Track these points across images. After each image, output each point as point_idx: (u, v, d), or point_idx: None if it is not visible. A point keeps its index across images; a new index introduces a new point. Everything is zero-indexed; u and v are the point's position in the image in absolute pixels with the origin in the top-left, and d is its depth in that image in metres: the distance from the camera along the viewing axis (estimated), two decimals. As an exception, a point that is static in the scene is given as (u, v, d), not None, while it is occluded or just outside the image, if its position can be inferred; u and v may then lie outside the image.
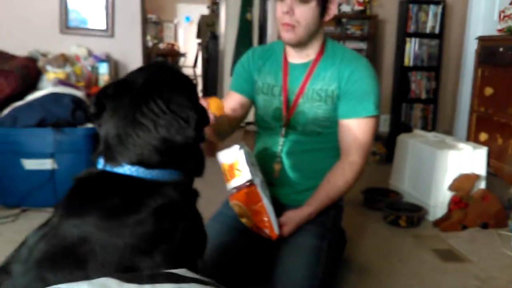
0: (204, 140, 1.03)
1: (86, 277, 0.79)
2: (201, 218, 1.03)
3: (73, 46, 3.50)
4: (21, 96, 2.70)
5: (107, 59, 3.47)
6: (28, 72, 2.91)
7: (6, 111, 2.57)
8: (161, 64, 1.08)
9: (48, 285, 0.77)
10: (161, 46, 9.25)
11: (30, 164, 2.52)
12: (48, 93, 2.62)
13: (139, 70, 1.02)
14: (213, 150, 1.77)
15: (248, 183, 1.43)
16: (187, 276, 0.51)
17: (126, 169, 0.91)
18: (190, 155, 0.98)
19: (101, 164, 0.94)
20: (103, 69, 3.36)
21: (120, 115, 0.93)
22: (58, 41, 3.50)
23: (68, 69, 3.13)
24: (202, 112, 1.09)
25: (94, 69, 3.37)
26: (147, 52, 4.55)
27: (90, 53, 3.53)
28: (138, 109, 0.92)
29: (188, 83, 1.03)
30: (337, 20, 4.20)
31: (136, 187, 0.90)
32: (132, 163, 0.91)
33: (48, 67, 3.07)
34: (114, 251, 0.81)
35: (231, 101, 1.72)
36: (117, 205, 0.86)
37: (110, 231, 0.83)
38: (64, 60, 3.17)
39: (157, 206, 0.88)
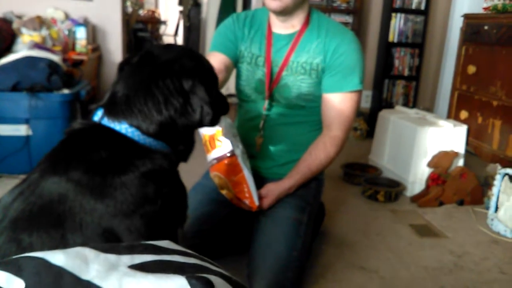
0: (217, 123, 1.11)
1: (63, 237, 0.77)
2: (185, 190, 1.03)
3: (50, 9, 3.37)
4: (-6, 59, 2.59)
5: (85, 23, 3.36)
6: (2, 34, 2.79)
7: (-22, 73, 2.47)
8: (190, 49, 1.10)
9: (23, 247, 0.74)
10: (141, 12, 9.00)
11: (4, 129, 2.44)
12: (23, 57, 2.52)
13: (168, 47, 1.05)
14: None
15: (229, 154, 1.42)
16: (168, 247, 0.49)
17: (123, 128, 0.91)
18: (184, 138, 1.01)
19: (98, 116, 0.93)
20: (81, 34, 3.25)
21: (136, 79, 0.95)
22: (33, 3, 3.36)
23: (44, 32, 3.02)
24: (222, 101, 1.14)
25: (71, 33, 3.26)
26: (127, 19, 4.42)
27: (67, 17, 3.41)
28: (155, 80, 0.93)
29: (211, 74, 1.06)
30: (323, -8, 4.12)
31: (128, 146, 0.90)
32: (131, 125, 0.91)
33: (23, 30, 2.95)
34: (94, 211, 0.80)
35: (215, 62, 1.62)
36: (104, 159, 0.85)
37: (92, 189, 0.81)
38: (40, 22, 3.05)
39: (146, 170, 0.88)
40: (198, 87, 0.96)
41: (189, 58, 1.01)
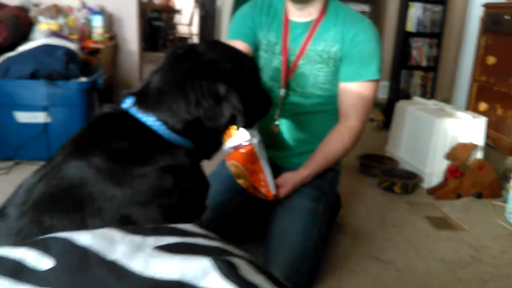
0: (252, 126, 1.17)
1: (83, 221, 0.78)
2: (207, 185, 1.04)
3: (66, -3, 3.38)
4: (12, 47, 2.62)
5: (101, 11, 3.36)
6: (20, 22, 2.81)
7: (-3, 61, 2.50)
8: (235, 50, 1.09)
9: (44, 228, 0.75)
10: (156, 1, 9.01)
11: (22, 116, 2.47)
12: (40, 45, 2.54)
13: (214, 45, 1.05)
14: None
15: (245, 143, 1.41)
16: (193, 231, 0.49)
17: (150, 120, 0.92)
18: (210, 138, 1.02)
19: (128, 104, 0.94)
20: (97, 22, 3.26)
21: (172, 76, 0.96)
22: (50, -9, 3.37)
23: (61, 20, 3.03)
24: (260, 105, 1.16)
25: (88, 21, 3.26)
26: (143, 7, 4.42)
27: (83, 5, 3.41)
28: (190, 81, 0.94)
29: (251, 78, 1.07)
30: (340, -19, 4.08)
31: (151, 139, 0.91)
32: (159, 119, 0.92)
33: (40, 18, 2.97)
34: (113, 198, 0.81)
35: None
36: (126, 149, 0.86)
37: (111, 176, 0.82)
38: (56, 11, 3.06)
39: (165, 164, 0.88)
40: (232, 95, 0.95)
41: (230, 60, 1.00)
